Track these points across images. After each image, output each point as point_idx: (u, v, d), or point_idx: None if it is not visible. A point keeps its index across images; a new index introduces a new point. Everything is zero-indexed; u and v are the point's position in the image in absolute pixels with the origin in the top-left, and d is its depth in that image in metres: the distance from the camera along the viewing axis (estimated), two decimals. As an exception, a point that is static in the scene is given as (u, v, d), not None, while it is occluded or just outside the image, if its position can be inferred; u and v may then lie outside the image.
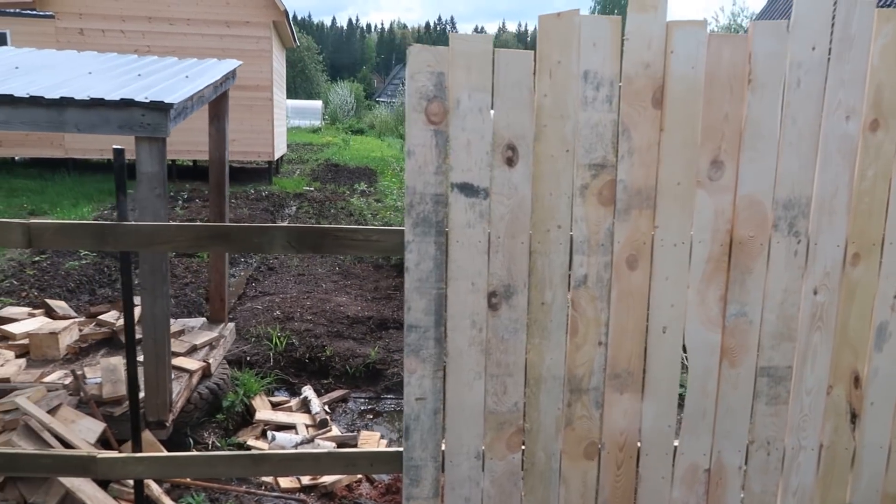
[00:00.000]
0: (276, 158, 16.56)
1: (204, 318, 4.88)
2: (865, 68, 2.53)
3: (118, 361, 3.59)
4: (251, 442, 3.93)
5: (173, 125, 3.10)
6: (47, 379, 3.62)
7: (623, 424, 2.69)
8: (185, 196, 12.93)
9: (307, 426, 4.15)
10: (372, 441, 4.02)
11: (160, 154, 2.94)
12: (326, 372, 5.26)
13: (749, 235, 2.60)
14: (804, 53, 2.49)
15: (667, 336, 2.64)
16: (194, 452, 2.61)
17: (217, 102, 4.34)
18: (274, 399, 4.72)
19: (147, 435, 3.25)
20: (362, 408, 4.94)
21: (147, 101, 2.94)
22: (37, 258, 7.70)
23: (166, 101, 2.95)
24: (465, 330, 2.54)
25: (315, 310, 6.42)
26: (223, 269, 4.78)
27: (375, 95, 77.40)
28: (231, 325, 4.97)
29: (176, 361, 3.91)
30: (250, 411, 4.39)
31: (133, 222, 2.43)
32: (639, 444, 2.73)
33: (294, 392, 4.96)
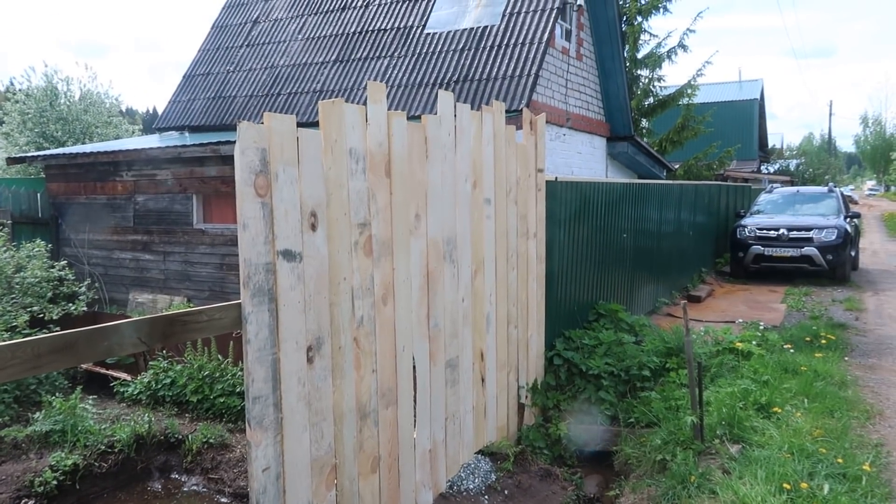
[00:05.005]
0: None
1: None
2: (470, 147, 3.85)
3: None
4: None
5: None
6: None
7: (389, 433, 3.26)
8: None
9: None
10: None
11: None
12: None
13: (434, 266, 3.56)
14: (446, 138, 3.62)
15: (405, 353, 3.35)
16: None
17: None
18: None
19: None
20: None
21: None
22: None
23: None
24: (293, 388, 2.66)
25: None
26: None
27: None
28: None
29: None
30: None
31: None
32: (399, 445, 3.34)
33: None
